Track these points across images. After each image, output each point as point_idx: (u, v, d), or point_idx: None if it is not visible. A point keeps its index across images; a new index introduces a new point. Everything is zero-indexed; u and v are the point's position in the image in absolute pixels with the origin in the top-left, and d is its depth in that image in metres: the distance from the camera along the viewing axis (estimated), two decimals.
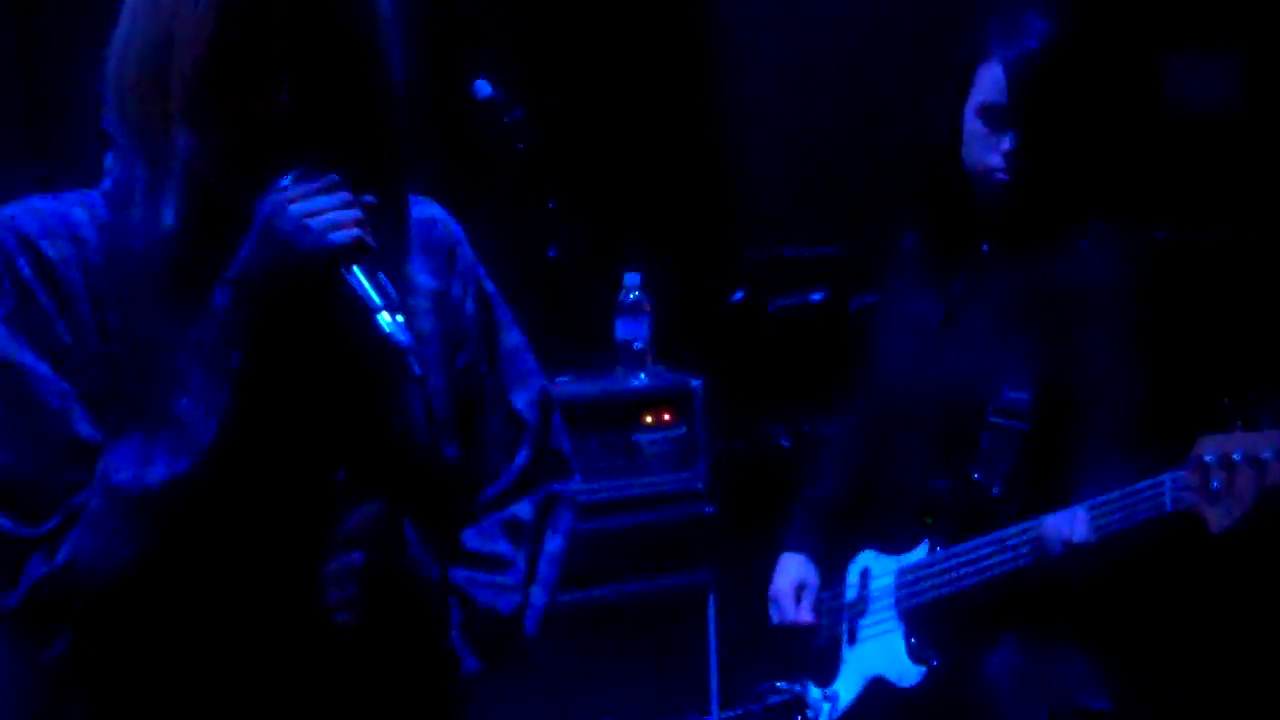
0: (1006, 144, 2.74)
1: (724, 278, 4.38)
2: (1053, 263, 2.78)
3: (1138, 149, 3.92)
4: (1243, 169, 4.24)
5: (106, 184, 1.65)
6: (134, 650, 1.58)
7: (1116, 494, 2.59)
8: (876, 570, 2.94)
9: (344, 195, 1.56)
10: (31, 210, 1.62)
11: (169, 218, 1.58)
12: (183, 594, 1.57)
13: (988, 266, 2.86)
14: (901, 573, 2.89)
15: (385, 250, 1.61)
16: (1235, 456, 2.49)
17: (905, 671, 2.85)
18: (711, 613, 3.60)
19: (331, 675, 1.62)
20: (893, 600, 2.90)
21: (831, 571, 3.02)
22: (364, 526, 1.60)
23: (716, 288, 4.36)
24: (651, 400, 3.63)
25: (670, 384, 3.67)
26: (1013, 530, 2.70)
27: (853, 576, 2.99)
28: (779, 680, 3.03)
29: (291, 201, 1.54)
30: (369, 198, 1.58)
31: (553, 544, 1.83)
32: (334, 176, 1.56)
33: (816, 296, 4.27)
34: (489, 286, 1.87)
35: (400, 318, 1.53)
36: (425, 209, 1.81)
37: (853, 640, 2.97)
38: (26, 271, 1.58)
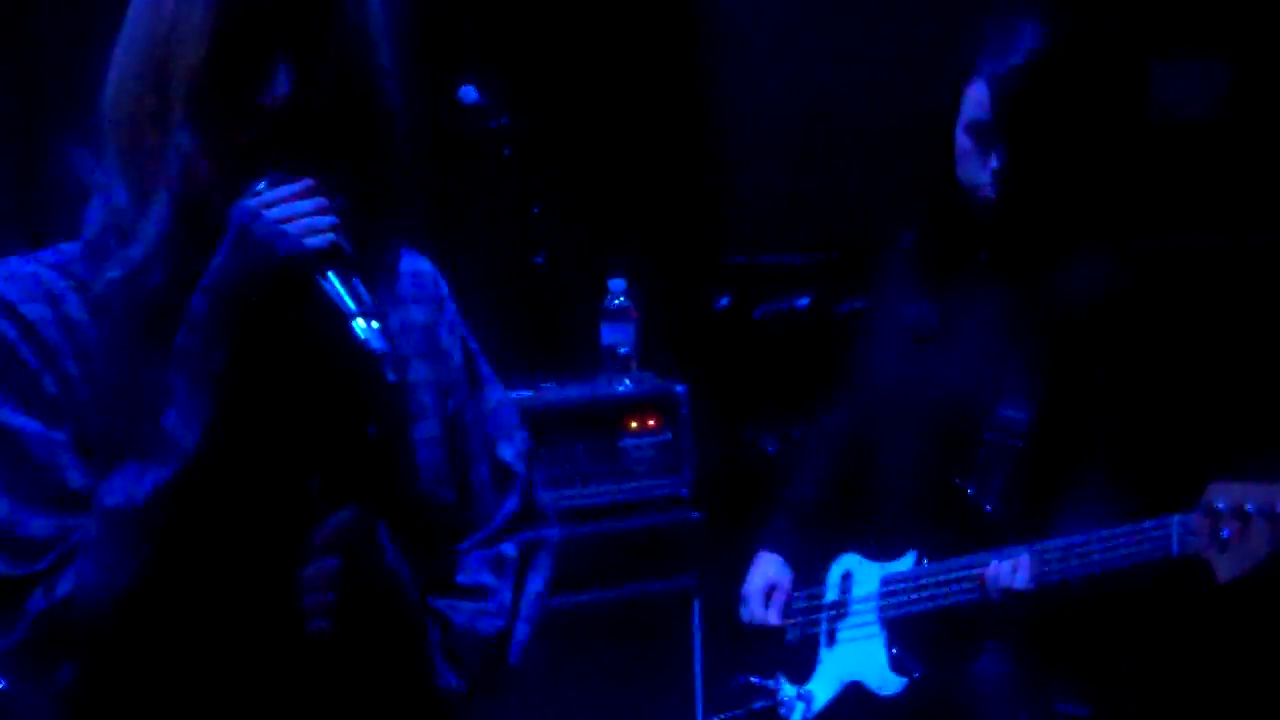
0: (993, 162, 2.73)
1: (709, 283, 4.39)
2: (1048, 278, 2.76)
3: (1126, 159, 3.92)
4: (1231, 174, 4.24)
5: (86, 236, 1.66)
6: (135, 672, 1.58)
7: (1120, 530, 2.57)
8: (860, 575, 2.94)
9: (319, 200, 1.55)
10: (5, 275, 1.63)
11: (156, 269, 1.58)
12: (177, 608, 1.57)
13: (985, 276, 2.85)
14: (886, 581, 2.88)
15: (373, 256, 1.61)
16: (1249, 508, 2.46)
17: (886, 680, 2.85)
18: (696, 618, 3.60)
19: (308, 682, 1.62)
20: (875, 608, 2.90)
21: (810, 571, 3.02)
22: (340, 532, 1.59)
23: (701, 293, 4.37)
24: (636, 406, 3.63)
25: (655, 390, 3.67)
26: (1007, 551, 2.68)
27: (834, 578, 2.99)
28: (754, 675, 3.03)
29: (266, 206, 1.54)
30: (342, 202, 1.58)
31: (535, 584, 1.85)
32: (309, 181, 1.56)
33: (801, 302, 4.28)
34: (473, 344, 1.89)
35: (376, 324, 1.53)
36: (416, 261, 1.84)
37: (831, 642, 2.97)
38: (11, 333, 1.60)
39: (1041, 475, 2.74)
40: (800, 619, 3.01)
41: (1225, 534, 2.47)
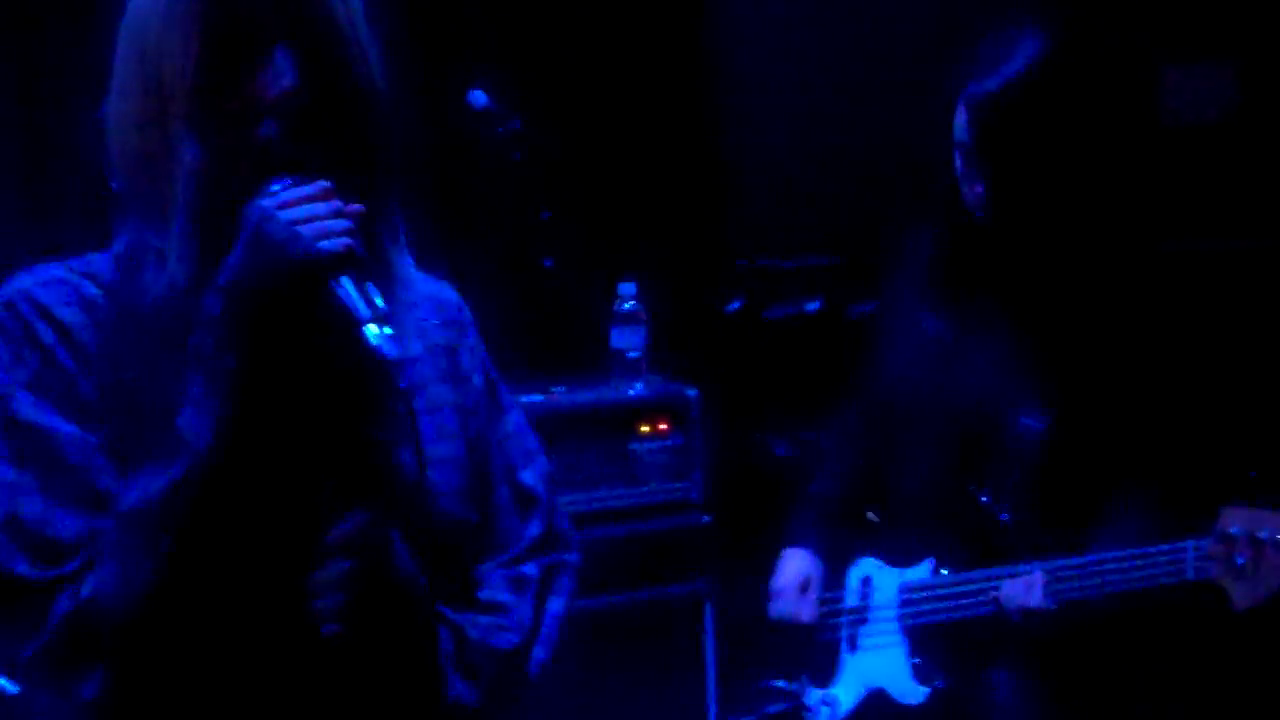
0: (978, 186, 2.71)
1: (720, 287, 4.38)
2: (1062, 286, 2.74)
3: (1131, 167, 3.91)
4: (1240, 178, 4.23)
5: (117, 247, 1.66)
6: (153, 675, 1.58)
7: (1134, 552, 2.56)
8: (879, 581, 2.93)
9: (335, 204, 1.55)
10: (43, 280, 1.64)
11: (180, 274, 1.58)
12: (193, 611, 1.56)
13: (998, 286, 2.82)
14: (904, 589, 2.88)
15: (377, 264, 1.61)
16: (1261, 535, 2.45)
17: (909, 690, 2.84)
18: (708, 622, 3.59)
19: (319, 685, 1.62)
20: (895, 615, 2.89)
21: (832, 572, 3.01)
22: (352, 536, 1.59)
23: (712, 297, 4.36)
24: (647, 410, 3.63)
25: (666, 393, 3.67)
26: (1022, 569, 2.68)
27: (853, 582, 2.98)
28: (778, 680, 3.02)
29: (282, 207, 1.53)
30: (357, 206, 1.58)
31: (555, 606, 1.85)
32: (325, 183, 1.55)
33: (812, 306, 4.28)
34: (493, 371, 1.89)
35: (389, 330, 1.52)
36: (441, 288, 1.84)
37: (853, 647, 2.96)
38: (48, 337, 1.60)
39: (1059, 484, 2.72)
40: (824, 621, 3.00)
41: (1240, 561, 2.46)
